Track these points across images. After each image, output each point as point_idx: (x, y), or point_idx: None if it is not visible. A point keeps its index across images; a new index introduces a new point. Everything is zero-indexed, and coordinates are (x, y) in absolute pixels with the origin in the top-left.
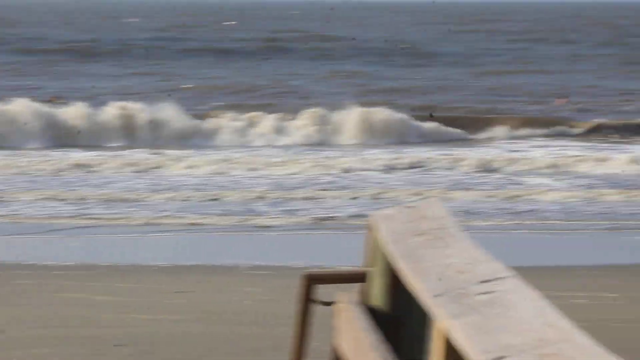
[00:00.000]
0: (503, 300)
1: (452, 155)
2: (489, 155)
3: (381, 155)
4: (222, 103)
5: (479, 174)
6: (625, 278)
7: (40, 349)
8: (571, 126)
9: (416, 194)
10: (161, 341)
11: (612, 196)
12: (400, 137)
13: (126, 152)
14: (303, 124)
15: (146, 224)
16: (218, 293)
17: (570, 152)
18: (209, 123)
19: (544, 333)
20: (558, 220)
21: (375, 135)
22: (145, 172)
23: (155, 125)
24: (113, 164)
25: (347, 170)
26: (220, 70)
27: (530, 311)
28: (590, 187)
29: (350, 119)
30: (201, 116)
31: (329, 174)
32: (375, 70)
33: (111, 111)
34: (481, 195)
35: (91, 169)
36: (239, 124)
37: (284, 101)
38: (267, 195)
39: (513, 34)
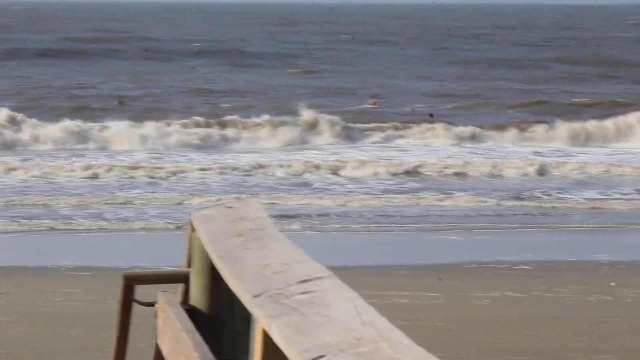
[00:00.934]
0: (322, 299)
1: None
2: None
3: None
4: None
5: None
6: (446, 277)
7: None
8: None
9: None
10: None
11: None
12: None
13: None
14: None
15: None
16: (39, 294)
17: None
18: None
19: (361, 332)
20: (374, 222)
21: None
22: None
23: None
24: None
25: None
26: None
27: (349, 310)
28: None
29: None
30: None
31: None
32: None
33: None
34: (299, 198)
35: None
36: None
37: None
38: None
39: (357, 34)
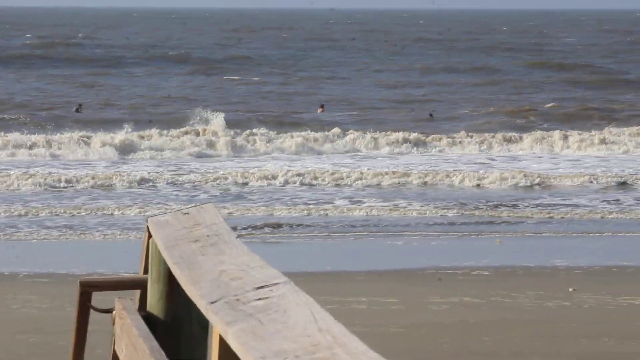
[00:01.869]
0: (278, 306)
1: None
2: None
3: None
4: None
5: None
6: (404, 283)
7: None
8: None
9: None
10: None
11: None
12: None
13: None
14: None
15: None
16: None
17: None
18: None
19: (318, 338)
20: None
21: None
22: None
23: None
24: None
25: None
26: None
27: (305, 316)
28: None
29: None
30: None
31: None
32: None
33: None
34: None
35: None
36: None
37: None
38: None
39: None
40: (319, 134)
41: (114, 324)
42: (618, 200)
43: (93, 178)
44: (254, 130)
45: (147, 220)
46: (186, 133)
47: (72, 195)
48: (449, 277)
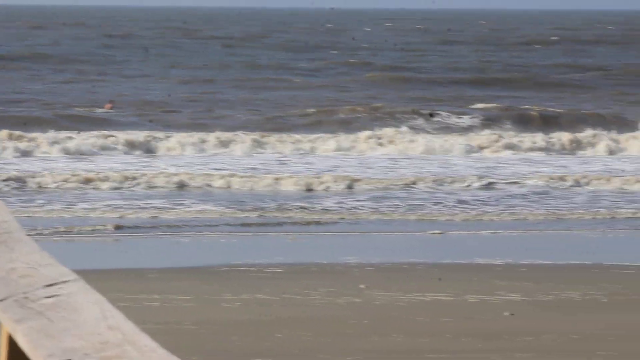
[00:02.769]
0: (68, 303)
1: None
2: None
3: None
4: None
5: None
6: (197, 280)
7: None
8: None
9: None
10: None
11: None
12: None
13: None
14: None
15: None
16: None
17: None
18: None
19: (108, 336)
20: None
21: None
22: None
23: None
24: None
25: None
26: None
27: (95, 314)
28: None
29: None
30: None
31: None
32: None
33: None
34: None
35: None
36: None
37: None
38: None
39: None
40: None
41: None
42: (399, 197)
43: None
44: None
45: None
46: None
47: None
48: (241, 275)
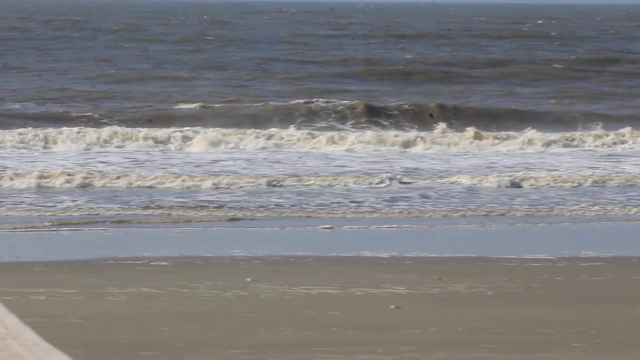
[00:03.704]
0: None
1: None
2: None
3: None
4: None
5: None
6: (83, 274)
7: None
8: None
9: None
10: None
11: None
12: None
13: None
14: None
15: None
16: None
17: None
18: None
19: None
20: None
21: None
22: None
23: None
24: None
25: None
26: None
27: None
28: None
29: None
30: None
31: None
32: None
33: None
34: None
35: None
36: None
37: None
38: None
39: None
40: None
41: None
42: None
43: None
44: None
45: None
46: None
47: None
48: (127, 268)
